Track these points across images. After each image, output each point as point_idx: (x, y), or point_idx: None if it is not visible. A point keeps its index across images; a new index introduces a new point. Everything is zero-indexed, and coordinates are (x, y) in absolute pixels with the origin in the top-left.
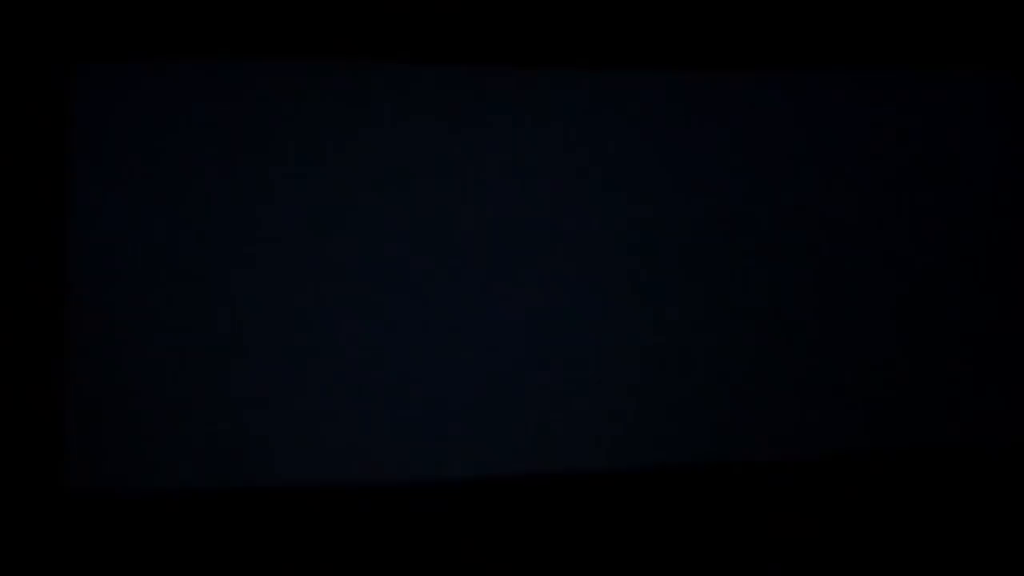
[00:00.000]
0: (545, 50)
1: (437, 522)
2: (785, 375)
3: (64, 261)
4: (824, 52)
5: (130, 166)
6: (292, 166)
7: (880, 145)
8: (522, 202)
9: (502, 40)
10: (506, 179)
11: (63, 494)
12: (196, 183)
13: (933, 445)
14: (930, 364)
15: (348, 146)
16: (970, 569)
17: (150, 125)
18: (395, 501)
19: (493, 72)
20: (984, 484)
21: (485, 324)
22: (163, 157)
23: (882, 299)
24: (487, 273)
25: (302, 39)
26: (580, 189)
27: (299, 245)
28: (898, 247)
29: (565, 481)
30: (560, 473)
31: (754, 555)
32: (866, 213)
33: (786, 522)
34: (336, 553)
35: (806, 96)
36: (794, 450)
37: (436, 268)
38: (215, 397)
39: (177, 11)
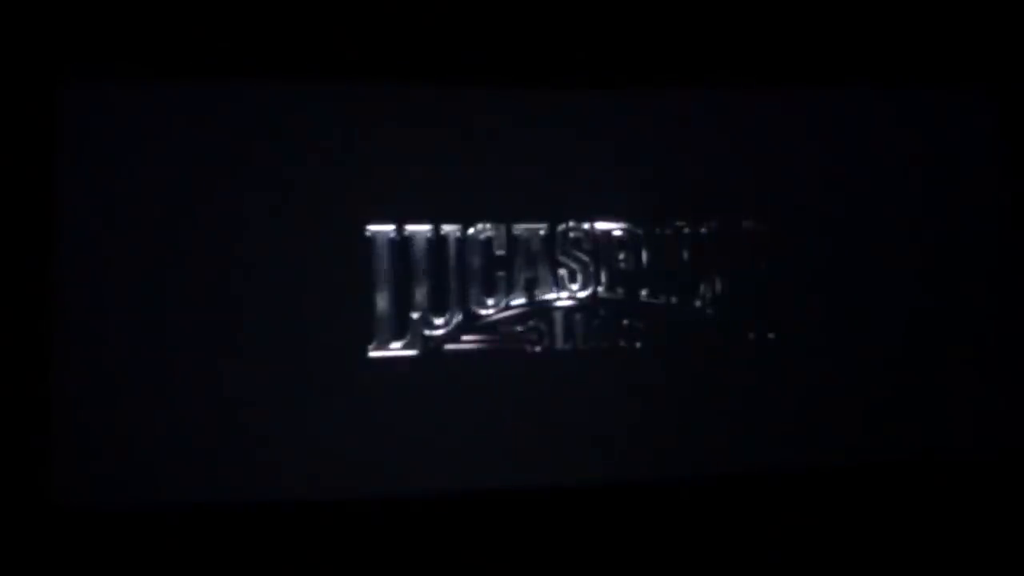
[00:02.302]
0: (529, 73)
1: (435, 533)
2: (786, 386)
3: (51, 276)
4: (826, 72)
5: (119, 182)
6: (274, 175)
7: (884, 159)
8: (518, 209)
9: (499, 62)
10: (500, 184)
11: (51, 507)
12: (181, 195)
13: (933, 454)
14: (930, 376)
15: (328, 157)
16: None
17: (133, 139)
18: (391, 512)
19: (492, 89)
20: (983, 491)
21: (483, 332)
22: (150, 172)
23: (882, 311)
24: (482, 279)
25: (279, 61)
26: (578, 200)
27: (289, 254)
28: (901, 258)
29: (564, 493)
30: (560, 485)
31: (752, 560)
32: (870, 223)
33: (785, 531)
34: (330, 565)
35: (807, 110)
36: (793, 460)
37: (430, 275)
38: (204, 411)
39: (156, 34)
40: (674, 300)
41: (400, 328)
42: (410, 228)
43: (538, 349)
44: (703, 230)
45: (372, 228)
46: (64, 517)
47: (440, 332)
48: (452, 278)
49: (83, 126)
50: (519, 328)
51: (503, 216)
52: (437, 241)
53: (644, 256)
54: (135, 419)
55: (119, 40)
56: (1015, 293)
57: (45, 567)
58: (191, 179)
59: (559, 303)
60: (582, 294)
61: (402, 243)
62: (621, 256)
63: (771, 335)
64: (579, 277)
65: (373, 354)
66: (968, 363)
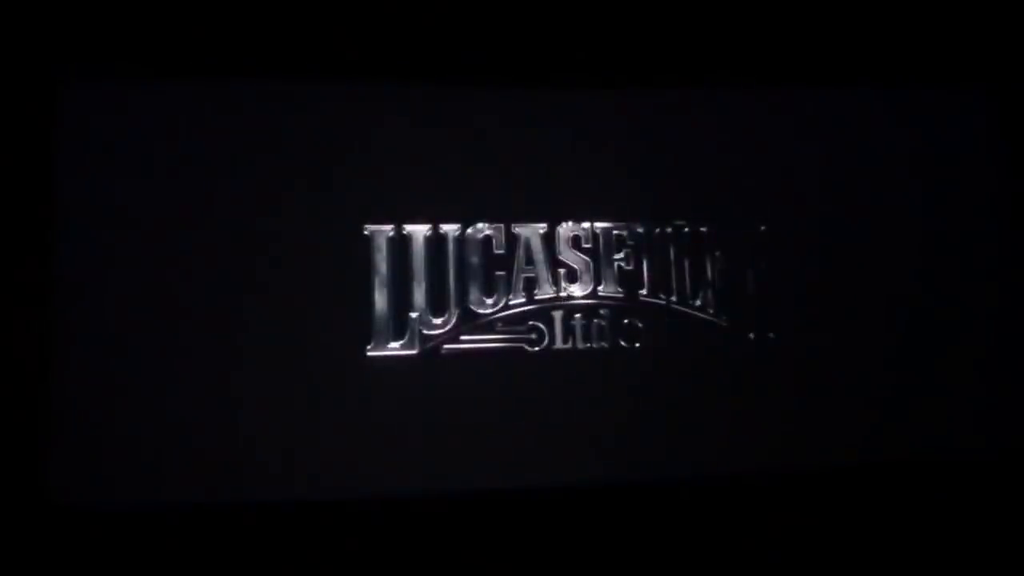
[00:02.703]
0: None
1: (434, 532)
2: (786, 386)
3: (49, 279)
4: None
5: (119, 181)
6: (276, 175)
7: (884, 159)
8: (518, 209)
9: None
10: (500, 183)
11: (47, 508)
12: (180, 194)
13: (933, 454)
14: (930, 376)
15: (328, 157)
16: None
17: (133, 138)
18: (390, 512)
19: (492, 89)
20: (983, 491)
21: (482, 332)
22: (150, 171)
23: (882, 311)
24: (481, 279)
25: (283, 59)
26: (577, 200)
27: (288, 253)
28: (901, 258)
29: (563, 493)
30: (559, 485)
31: (752, 560)
32: (870, 223)
33: (785, 531)
34: (329, 564)
35: (808, 111)
36: (793, 460)
37: (429, 275)
38: (202, 411)
39: (156, 34)
40: (674, 300)
41: (399, 328)
42: (409, 227)
43: (537, 349)
44: (703, 229)
45: (371, 227)
46: (62, 517)
47: (439, 332)
48: (451, 277)
49: (83, 125)
50: (518, 328)
51: (502, 215)
52: (436, 240)
53: (644, 256)
54: (134, 419)
55: (119, 40)
56: (1015, 293)
57: (43, 566)
58: (190, 178)
59: (558, 303)
60: (581, 293)
61: (401, 242)
62: (620, 255)
63: (771, 335)
64: (579, 277)
65: (371, 354)
66: (968, 363)
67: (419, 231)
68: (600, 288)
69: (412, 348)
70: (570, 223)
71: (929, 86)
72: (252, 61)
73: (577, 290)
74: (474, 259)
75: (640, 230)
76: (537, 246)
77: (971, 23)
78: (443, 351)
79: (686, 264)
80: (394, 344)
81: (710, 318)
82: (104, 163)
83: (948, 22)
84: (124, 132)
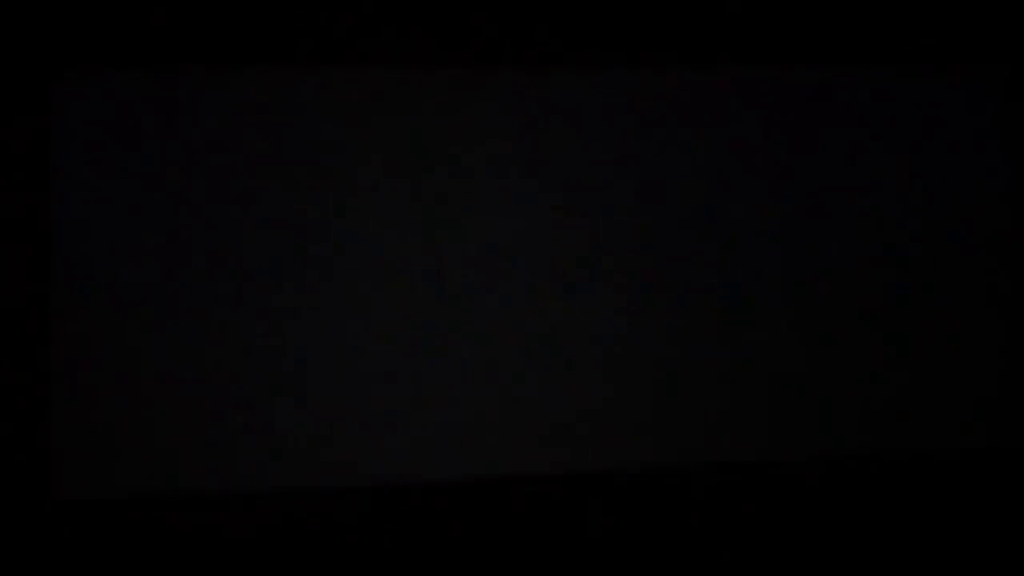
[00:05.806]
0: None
1: (433, 523)
2: (778, 377)
3: (47, 271)
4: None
5: (116, 178)
6: (275, 170)
7: (887, 152)
8: (518, 205)
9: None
10: (503, 179)
11: (52, 501)
12: (179, 190)
13: (933, 453)
14: (930, 373)
15: (336, 149)
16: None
17: (129, 135)
18: (390, 503)
19: (495, 74)
20: (976, 486)
21: (484, 328)
22: (145, 167)
23: (876, 304)
24: (483, 276)
25: (283, 46)
26: (573, 195)
27: (288, 248)
28: (893, 250)
29: (561, 483)
30: (558, 475)
31: (752, 552)
32: (860, 214)
33: (781, 521)
34: (329, 556)
35: (810, 103)
36: (787, 451)
37: (433, 270)
38: (202, 403)
39: (152, 28)
40: (675, 288)
41: (398, 318)
42: (405, 217)
43: (536, 340)
44: (704, 217)
45: (368, 218)
46: (62, 511)
47: (439, 321)
48: (450, 267)
49: (79, 122)
50: (518, 318)
51: (500, 204)
52: (434, 230)
53: (645, 245)
54: (131, 412)
55: (115, 35)
56: (1016, 290)
57: (42, 560)
58: (188, 174)
59: (558, 292)
60: (582, 283)
61: (399, 232)
62: (620, 246)
63: (775, 322)
64: (580, 267)
65: (370, 346)
66: (969, 361)
67: (415, 221)
68: (601, 277)
69: (412, 339)
70: (571, 211)
71: (932, 79)
72: (249, 55)
73: (577, 279)
74: (473, 249)
75: (641, 219)
76: (537, 236)
77: (976, 15)
78: (443, 342)
79: (687, 253)
80: (392, 335)
81: (711, 306)
82: (100, 160)
83: (954, 14)
84: (120, 129)
